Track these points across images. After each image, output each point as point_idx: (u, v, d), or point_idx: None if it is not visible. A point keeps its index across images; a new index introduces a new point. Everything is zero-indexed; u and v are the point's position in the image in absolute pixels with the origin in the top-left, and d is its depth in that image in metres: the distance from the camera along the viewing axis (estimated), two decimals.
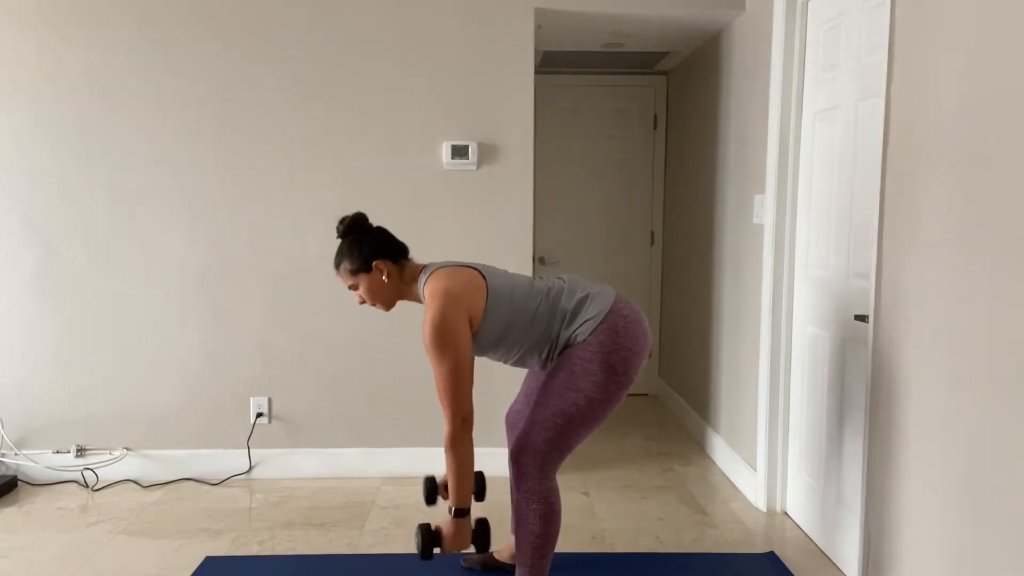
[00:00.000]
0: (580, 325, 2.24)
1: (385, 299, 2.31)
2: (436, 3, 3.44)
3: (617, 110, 5.08)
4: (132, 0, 3.39)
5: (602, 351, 2.20)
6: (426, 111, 3.48)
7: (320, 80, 3.46)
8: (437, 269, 2.27)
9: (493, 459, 3.49)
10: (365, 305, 2.34)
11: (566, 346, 2.26)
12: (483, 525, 2.25)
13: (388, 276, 2.27)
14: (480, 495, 2.48)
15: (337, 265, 2.31)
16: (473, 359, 2.20)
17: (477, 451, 3.57)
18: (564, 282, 2.33)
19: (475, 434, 3.70)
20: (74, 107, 3.43)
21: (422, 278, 2.27)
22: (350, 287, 2.32)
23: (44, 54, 3.41)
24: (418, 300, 2.32)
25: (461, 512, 2.19)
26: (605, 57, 4.54)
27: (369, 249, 2.27)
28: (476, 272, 2.27)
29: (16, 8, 3.38)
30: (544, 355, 2.31)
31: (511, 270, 3.53)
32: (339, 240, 2.34)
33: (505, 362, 2.36)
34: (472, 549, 2.28)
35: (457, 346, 2.13)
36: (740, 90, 3.57)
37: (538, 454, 2.24)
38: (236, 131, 3.47)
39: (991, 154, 1.86)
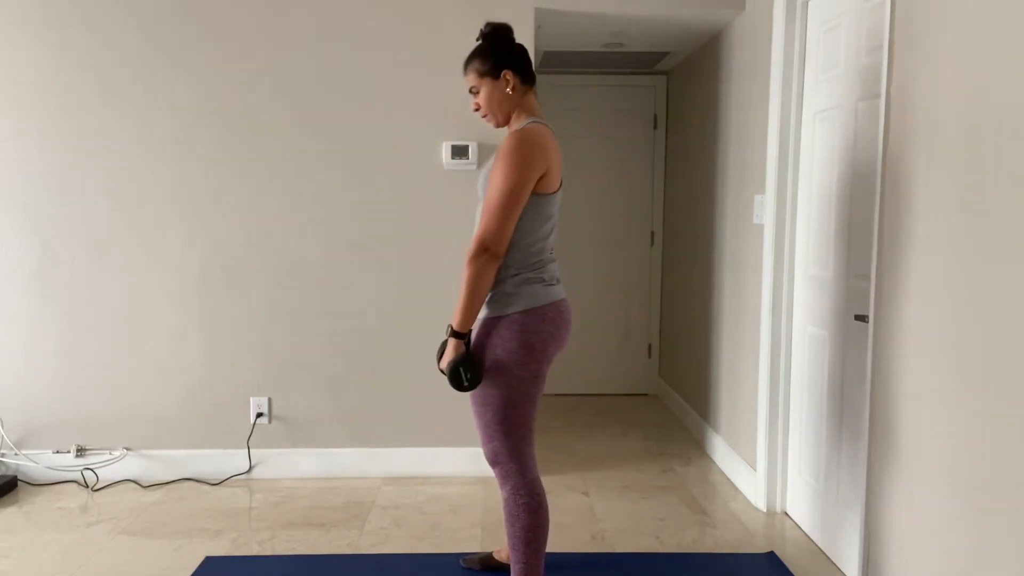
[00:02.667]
0: (521, 294, 2.21)
1: (499, 111, 2.30)
2: (436, 3, 3.44)
3: (617, 110, 5.08)
4: (133, 1, 3.40)
5: (523, 331, 2.20)
6: (426, 111, 3.48)
7: (320, 80, 3.46)
8: (548, 128, 2.26)
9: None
10: (477, 114, 2.32)
11: (499, 304, 2.22)
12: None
13: (513, 90, 2.27)
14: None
15: (467, 62, 2.30)
16: (524, 203, 2.17)
17: (476, 450, 3.58)
18: (552, 260, 2.33)
19: (475, 434, 3.70)
20: (74, 107, 3.43)
21: (532, 119, 2.26)
22: (471, 89, 2.31)
23: (44, 55, 3.41)
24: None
25: (455, 334, 2.19)
26: (605, 57, 4.54)
27: (504, 56, 2.27)
28: (560, 175, 2.29)
29: (16, 9, 3.39)
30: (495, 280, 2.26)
31: None
32: (477, 41, 2.32)
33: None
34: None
35: (525, 176, 2.14)
36: (740, 90, 3.57)
37: (508, 451, 2.26)
38: (235, 131, 3.47)
39: (991, 154, 1.86)
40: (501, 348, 2.21)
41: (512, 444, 2.26)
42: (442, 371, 2.25)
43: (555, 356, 2.31)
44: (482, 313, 2.28)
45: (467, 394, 2.24)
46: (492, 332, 2.23)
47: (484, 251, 2.14)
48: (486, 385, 2.23)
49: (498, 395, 2.23)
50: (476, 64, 2.28)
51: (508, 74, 2.26)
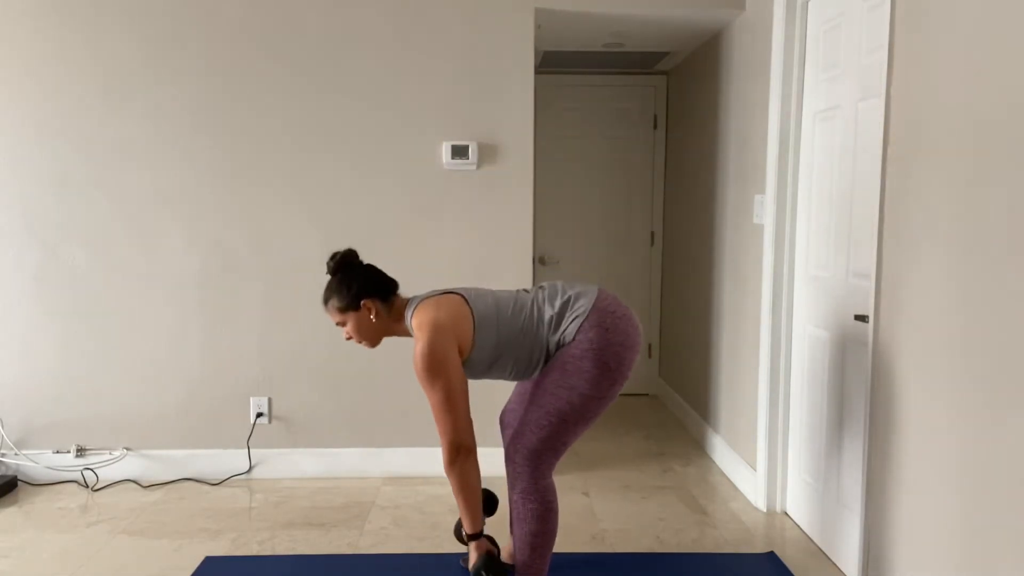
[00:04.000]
0: (567, 326, 2.25)
1: (372, 337, 2.34)
2: (436, 3, 3.44)
3: (617, 110, 5.08)
4: (133, 3, 3.40)
5: (593, 348, 2.21)
6: (426, 111, 3.48)
7: (320, 80, 3.46)
8: (423, 301, 2.29)
9: (492, 458, 3.48)
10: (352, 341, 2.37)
11: (557, 349, 2.27)
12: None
13: (376, 315, 2.30)
14: (490, 510, 2.50)
15: (326, 301, 2.33)
16: (466, 387, 2.23)
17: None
18: (544, 290, 2.35)
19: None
20: (74, 108, 3.43)
21: (408, 312, 2.30)
22: (337, 323, 2.34)
23: (44, 55, 3.41)
24: (407, 334, 2.35)
25: (472, 536, 2.27)
26: (605, 57, 4.54)
27: (358, 288, 2.29)
28: (461, 299, 2.29)
29: (17, 9, 3.39)
30: (539, 364, 2.31)
31: (511, 270, 3.54)
32: (328, 276, 2.35)
33: (502, 379, 2.37)
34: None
35: (448, 374, 2.17)
36: (740, 90, 3.57)
37: (533, 453, 2.25)
38: (236, 131, 3.47)
39: (991, 153, 1.86)
40: (574, 366, 2.22)
41: (539, 450, 2.26)
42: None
43: (633, 363, 2.29)
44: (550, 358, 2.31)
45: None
46: (564, 352, 2.25)
47: (457, 452, 2.18)
48: (554, 388, 2.23)
49: (556, 405, 2.23)
50: (334, 302, 2.30)
51: (367, 303, 2.28)
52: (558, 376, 2.23)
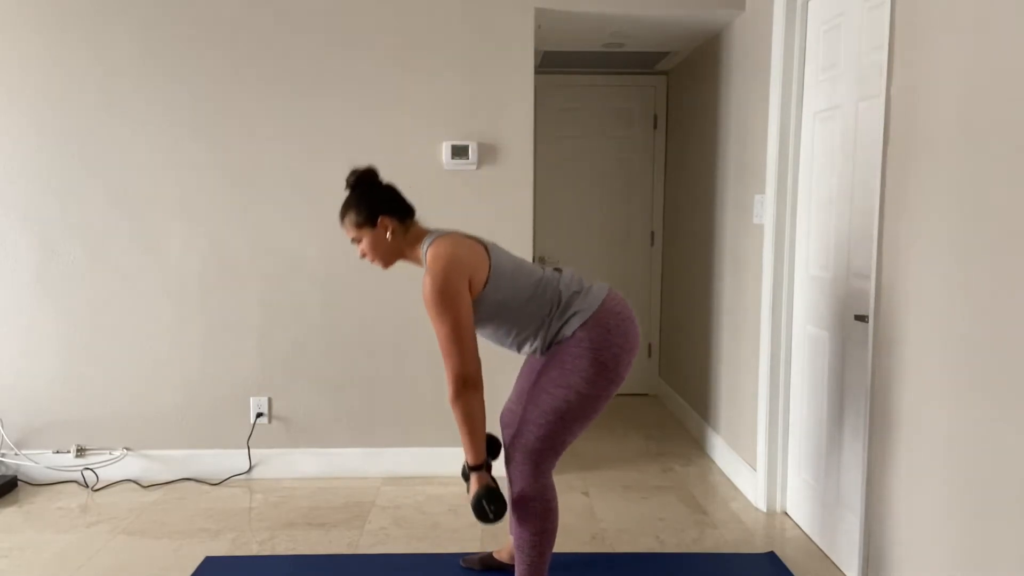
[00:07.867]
0: (571, 317, 2.24)
1: (385, 256, 2.31)
2: (436, 3, 3.45)
3: (617, 110, 5.08)
4: (132, 3, 3.40)
5: (592, 347, 2.20)
6: (426, 111, 3.48)
7: (319, 80, 3.46)
8: (443, 235, 2.27)
9: None
10: (365, 260, 2.35)
11: (556, 339, 2.26)
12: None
13: (392, 233, 2.27)
14: (493, 453, 2.45)
15: (342, 216, 2.30)
16: (473, 323, 2.20)
17: None
18: (560, 273, 2.34)
19: None
20: (74, 108, 3.43)
21: (426, 241, 2.27)
22: (353, 240, 2.32)
23: (44, 56, 3.41)
24: (418, 262, 2.31)
25: (473, 468, 2.23)
26: (605, 57, 4.54)
27: (376, 204, 2.27)
28: (481, 245, 2.27)
29: (17, 11, 3.39)
30: (534, 341, 2.30)
31: None
32: (347, 191, 2.32)
33: (493, 341, 2.35)
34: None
35: (457, 306, 2.14)
36: (740, 90, 3.57)
37: (532, 452, 2.25)
38: (235, 131, 3.47)
39: (991, 154, 1.86)
40: (571, 364, 2.21)
41: (538, 449, 2.25)
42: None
43: (630, 364, 2.28)
44: (548, 349, 2.30)
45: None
46: (562, 350, 2.24)
47: (463, 386, 2.16)
48: (551, 387, 2.22)
49: (554, 404, 2.22)
50: (351, 217, 2.28)
51: (384, 220, 2.26)
52: (556, 375, 2.22)
